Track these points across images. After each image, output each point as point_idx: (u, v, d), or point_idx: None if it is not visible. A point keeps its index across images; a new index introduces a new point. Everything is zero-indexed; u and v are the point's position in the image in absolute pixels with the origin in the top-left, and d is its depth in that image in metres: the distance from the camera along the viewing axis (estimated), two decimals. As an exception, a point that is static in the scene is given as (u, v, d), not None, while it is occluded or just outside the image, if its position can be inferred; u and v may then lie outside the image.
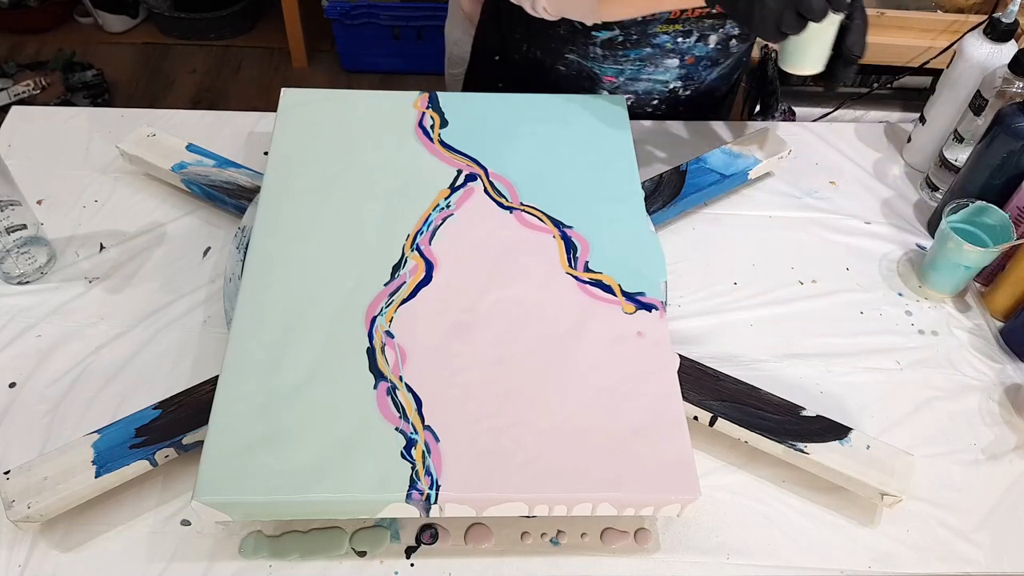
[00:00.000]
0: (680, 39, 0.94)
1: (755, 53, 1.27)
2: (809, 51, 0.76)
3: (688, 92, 1.02)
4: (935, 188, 0.99)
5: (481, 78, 1.09)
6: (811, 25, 0.72)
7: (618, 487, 0.62)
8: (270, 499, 0.61)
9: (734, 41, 0.97)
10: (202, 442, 0.63)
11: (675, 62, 0.97)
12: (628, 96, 1.01)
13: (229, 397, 0.65)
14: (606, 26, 0.93)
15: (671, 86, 1.01)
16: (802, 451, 0.71)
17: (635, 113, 1.03)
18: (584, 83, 1.01)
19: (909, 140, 1.04)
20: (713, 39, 0.96)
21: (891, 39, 1.24)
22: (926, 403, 0.81)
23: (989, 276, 0.90)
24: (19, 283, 0.84)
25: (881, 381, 0.82)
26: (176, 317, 0.83)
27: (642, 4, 0.84)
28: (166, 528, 0.69)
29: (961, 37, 0.97)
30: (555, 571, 0.68)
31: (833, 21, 0.73)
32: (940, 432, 0.79)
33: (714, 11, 0.92)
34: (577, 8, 0.85)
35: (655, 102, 1.03)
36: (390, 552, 0.68)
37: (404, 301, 0.72)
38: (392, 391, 0.66)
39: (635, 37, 0.94)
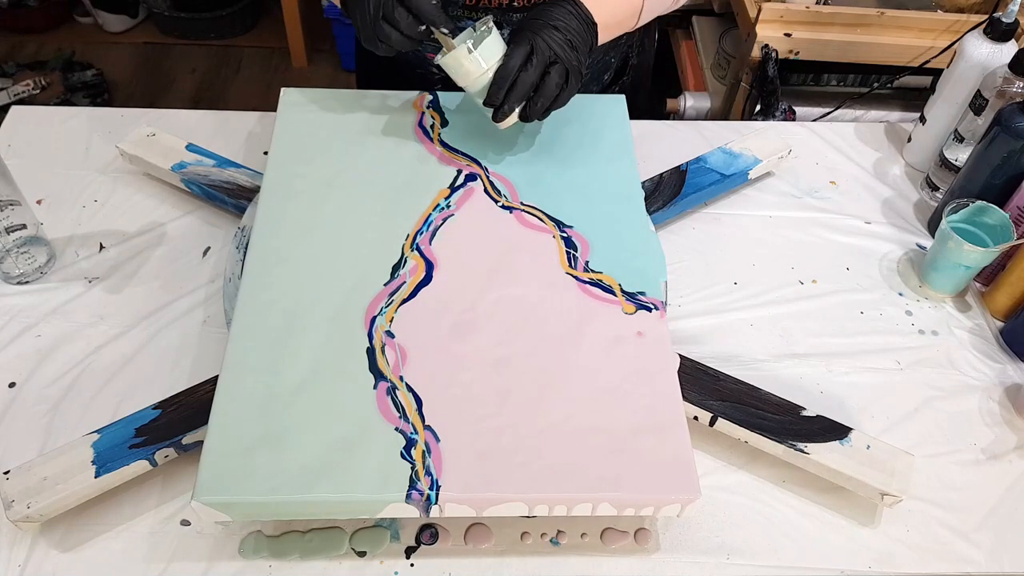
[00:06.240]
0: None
1: (755, 52, 1.27)
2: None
3: None
4: (935, 188, 0.99)
5: (364, 62, 1.08)
6: (463, 87, 0.77)
7: (618, 487, 0.62)
8: (270, 499, 0.61)
9: None
10: (202, 442, 0.63)
11: None
12: None
13: (229, 397, 0.65)
14: None
15: None
16: (802, 451, 0.71)
17: None
18: (414, 62, 0.99)
19: (909, 140, 1.04)
20: None
21: (891, 39, 1.24)
22: (926, 403, 0.81)
23: (989, 276, 0.90)
24: (19, 283, 0.84)
25: (881, 381, 0.82)
26: (176, 317, 0.83)
27: None
28: (166, 528, 0.69)
29: (961, 37, 0.97)
30: (555, 571, 0.68)
31: (475, 81, 0.76)
32: (940, 432, 0.79)
33: (516, 4, 0.90)
34: None
35: None
36: (390, 552, 0.68)
37: (404, 301, 0.72)
38: (392, 391, 0.66)
39: None
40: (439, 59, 0.77)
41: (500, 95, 0.75)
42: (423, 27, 0.74)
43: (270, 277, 0.74)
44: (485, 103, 0.77)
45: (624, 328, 0.72)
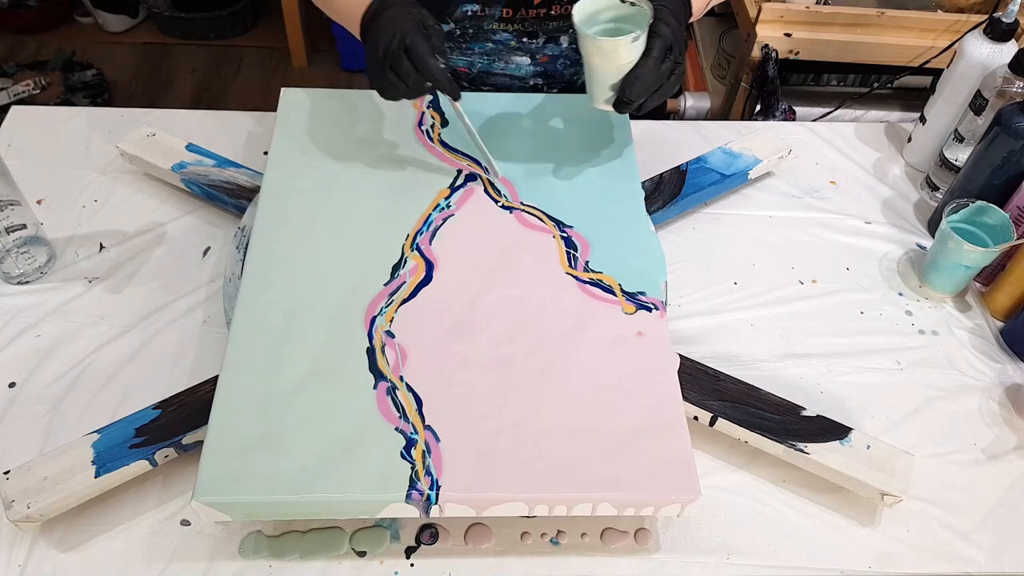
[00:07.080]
0: (525, 39, 0.90)
1: (755, 52, 1.26)
2: (594, 90, 0.75)
3: (556, 89, 1.01)
4: (935, 188, 0.99)
5: None
6: (595, 66, 0.72)
7: (618, 487, 0.62)
8: (270, 499, 0.61)
9: None
10: (202, 442, 0.63)
11: (526, 60, 0.96)
12: (488, 87, 1.00)
13: (229, 397, 0.65)
14: (442, 20, 0.91)
15: (531, 83, 0.99)
16: (802, 451, 0.71)
17: None
18: None
19: (909, 140, 1.04)
20: (564, 40, 0.94)
21: (891, 39, 1.24)
22: (926, 403, 0.81)
23: (989, 276, 0.90)
24: (19, 283, 0.84)
25: (881, 381, 0.82)
26: (176, 317, 0.83)
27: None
28: (166, 528, 0.69)
29: (961, 37, 0.97)
30: (555, 571, 0.68)
31: (617, 68, 0.72)
32: (940, 432, 0.79)
33: (552, 12, 0.91)
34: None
35: None
36: (390, 552, 0.68)
37: (404, 301, 0.72)
38: (392, 391, 0.66)
39: (471, 31, 0.93)
40: (588, 30, 0.72)
41: (645, 94, 0.73)
42: (429, 84, 0.72)
43: (270, 277, 0.74)
44: (625, 98, 0.73)
45: (624, 328, 0.72)
